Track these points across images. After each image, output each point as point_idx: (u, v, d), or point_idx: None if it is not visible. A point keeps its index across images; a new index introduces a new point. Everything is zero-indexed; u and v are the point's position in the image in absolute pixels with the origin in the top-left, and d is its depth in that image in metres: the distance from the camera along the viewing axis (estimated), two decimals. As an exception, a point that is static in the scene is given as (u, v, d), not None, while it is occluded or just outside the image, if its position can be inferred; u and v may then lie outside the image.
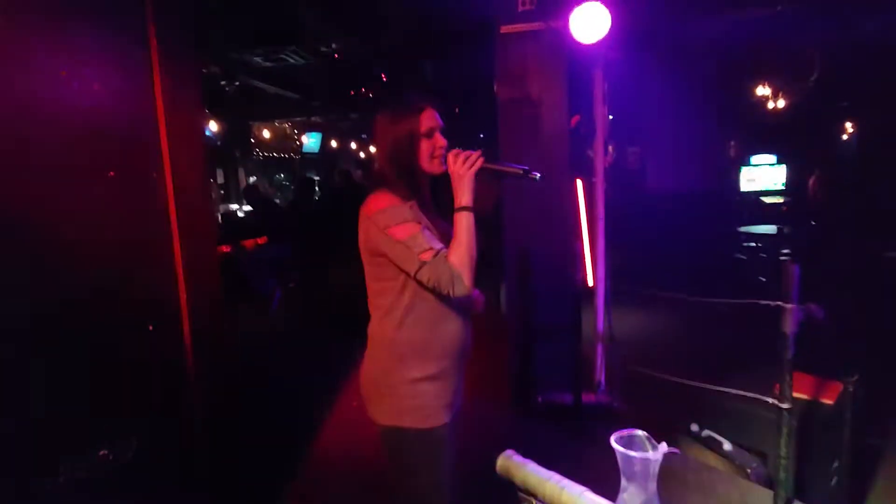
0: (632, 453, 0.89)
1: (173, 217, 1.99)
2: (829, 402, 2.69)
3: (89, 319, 1.75)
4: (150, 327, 1.93)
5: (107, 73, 1.82)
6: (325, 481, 2.97)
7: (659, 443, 0.95)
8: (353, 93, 8.55)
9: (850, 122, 9.35)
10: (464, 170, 1.51)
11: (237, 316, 5.77)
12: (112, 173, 1.81)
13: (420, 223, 1.49)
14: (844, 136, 9.63)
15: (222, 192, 11.62)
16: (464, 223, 1.50)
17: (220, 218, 9.48)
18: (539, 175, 1.54)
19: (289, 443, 3.28)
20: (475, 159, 1.52)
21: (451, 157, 1.53)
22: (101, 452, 1.84)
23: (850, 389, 2.68)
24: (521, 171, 1.55)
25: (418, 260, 1.44)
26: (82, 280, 1.75)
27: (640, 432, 0.96)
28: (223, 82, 7.33)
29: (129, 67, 1.90)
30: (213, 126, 9.67)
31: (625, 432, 0.96)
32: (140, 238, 1.93)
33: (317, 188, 12.31)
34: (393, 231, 1.46)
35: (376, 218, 1.49)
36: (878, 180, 7.52)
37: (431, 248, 1.45)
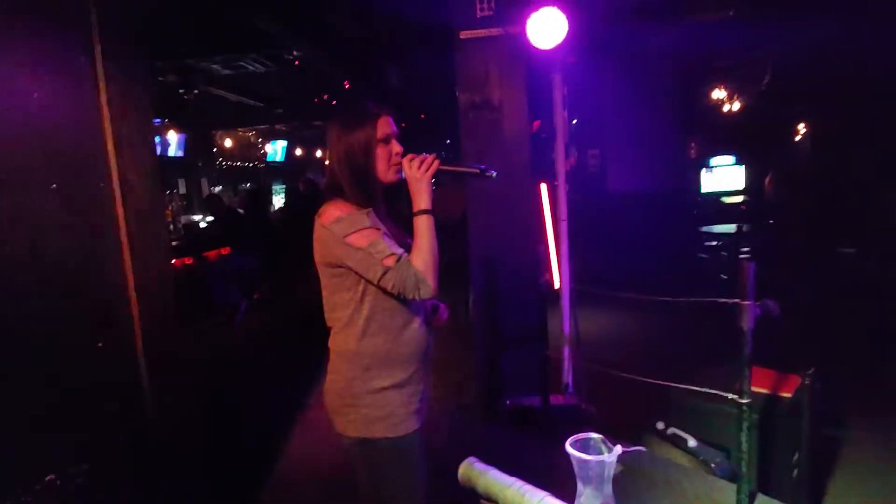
0: (586, 457, 0.88)
1: (122, 229, 1.91)
2: (787, 395, 2.75)
3: (31, 338, 1.67)
4: (100, 345, 1.85)
5: (47, 80, 1.74)
6: (292, 495, 2.90)
7: (617, 444, 0.94)
8: (316, 100, 8.48)
9: (803, 123, 9.69)
10: (420, 173, 1.50)
11: (201, 329, 5.64)
12: (54, 185, 1.73)
13: (379, 229, 1.48)
14: (797, 138, 9.97)
15: (184, 202, 11.35)
16: (424, 226, 1.49)
17: (182, 229, 9.27)
18: (496, 173, 1.53)
19: (255, 457, 3.20)
20: (430, 162, 1.51)
21: (405, 161, 1.52)
22: (49, 478, 1.75)
23: (807, 382, 2.75)
24: (478, 171, 1.54)
25: (381, 266, 1.42)
26: (23, 295, 1.67)
27: (595, 435, 0.95)
28: (182, 90, 7.17)
29: (71, 74, 1.83)
30: (172, 135, 9.45)
31: (580, 436, 0.95)
32: (86, 252, 1.85)
33: (277, 198, 12.16)
34: (352, 239, 1.44)
35: (334, 227, 1.46)
36: (830, 179, 7.81)
37: (393, 254, 1.43)
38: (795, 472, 2.63)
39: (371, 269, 1.43)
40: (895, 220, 6.52)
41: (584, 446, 0.93)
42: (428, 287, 1.44)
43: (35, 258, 1.69)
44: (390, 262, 1.42)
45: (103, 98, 1.90)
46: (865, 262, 6.27)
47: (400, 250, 1.46)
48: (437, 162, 1.51)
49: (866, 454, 3.14)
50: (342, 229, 1.45)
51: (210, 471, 2.61)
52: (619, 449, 0.89)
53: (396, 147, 1.55)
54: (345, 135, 1.53)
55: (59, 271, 1.76)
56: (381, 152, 1.52)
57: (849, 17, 5.74)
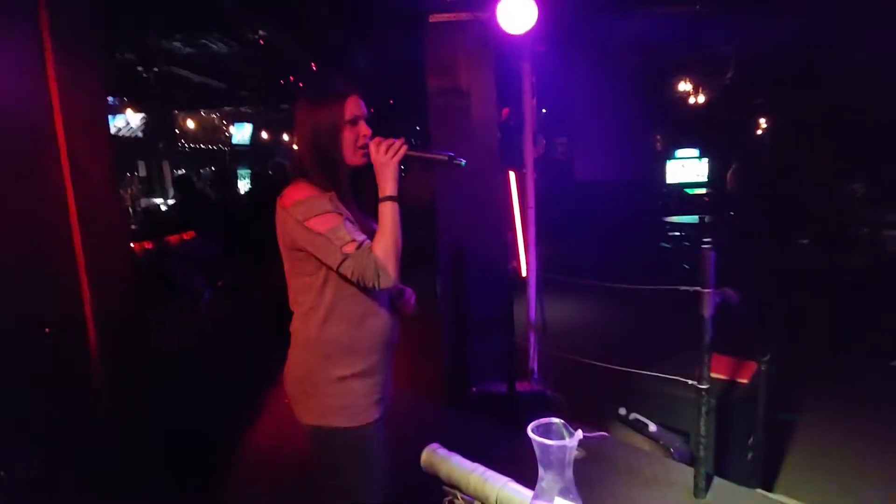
0: (547, 441, 0.88)
1: (72, 211, 1.82)
2: (744, 381, 2.83)
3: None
4: (47, 330, 1.77)
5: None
6: (252, 482, 2.86)
7: (577, 429, 0.94)
8: (282, 83, 8.29)
9: (764, 118, 9.95)
10: (387, 158, 1.45)
11: (162, 316, 5.48)
12: (-3, 163, 1.64)
13: (342, 214, 1.43)
14: (759, 132, 10.23)
15: (144, 185, 11.00)
16: (388, 213, 1.44)
17: (141, 213, 8.98)
18: (464, 161, 1.51)
19: (216, 445, 3.14)
20: (398, 147, 1.46)
21: (373, 145, 1.47)
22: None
23: (763, 368, 2.84)
24: (447, 158, 1.51)
25: (341, 252, 1.38)
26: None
27: (557, 420, 0.95)
28: (140, 69, 6.91)
29: (15, 49, 1.72)
30: (131, 115, 9.12)
31: (542, 421, 0.95)
32: (33, 234, 1.76)
33: (242, 182, 11.88)
34: (312, 223, 1.40)
35: (294, 210, 1.41)
36: (789, 173, 8.05)
37: (354, 240, 1.39)
38: (750, 455, 2.72)
39: (330, 256, 1.39)
40: (850, 213, 6.77)
41: (545, 431, 0.93)
42: (388, 276, 1.40)
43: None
44: (350, 248, 1.38)
45: (51, 73, 1.80)
46: (820, 252, 6.50)
47: (362, 237, 1.41)
48: (405, 147, 1.48)
49: (819, 438, 3.26)
50: (302, 212, 1.40)
51: (170, 459, 2.55)
52: (579, 434, 0.89)
53: (364, 129, 1.51)
54: (312, 113, 1.48)
55: (2, 253, 1.68)
56: (348, 134, 1.48)
57: (810, 14, 5.89)
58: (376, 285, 1.40)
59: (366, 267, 1.38)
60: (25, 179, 1.75)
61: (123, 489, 2.11)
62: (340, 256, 1.38)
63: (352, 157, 1.50)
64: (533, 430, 0.93)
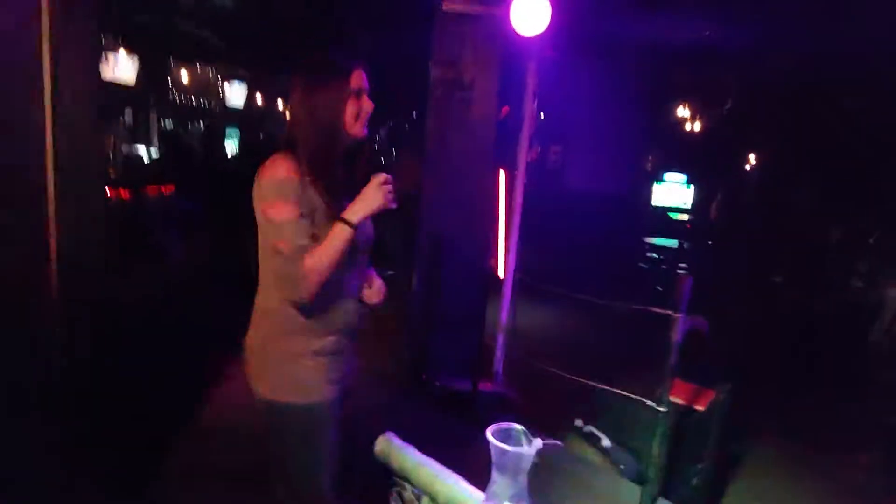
0: (505, 447, 0.87)
1: (48, 149, 1.75)
2: (700, 408, 2.87)
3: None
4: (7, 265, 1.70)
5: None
6: (202, 447, 2.82)
7: (536, 437, 0.94)
8: (284, 48, 8.13)
9: (755, 153, 10.10)
10: (379, 197, 1.41)
11: (129, 268, 5.36)
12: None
13: (300, 211, 1.37)
14: (748, 167, 10.39)
15: (128, 133, 10.72)
16: (340, 237, 1.38)
17: (122, 160, 8.77)
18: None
19: (171, 406, 3.08)
20: (392, 199, 1.42)
21: (381, 178, 1.42)
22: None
23: (721, 398, 2.89)
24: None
25: (274, 247, 1.35)
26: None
27: (517, 426, 0.94)
28: (139, 8, 6.70)
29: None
30: (124, 58, 8.85)
31: (503, 425, 0.94)
32: (4, 168, 1.69)
33: (230, 143, 11.67)
34: (269, 205, 1.36)
35: (263, 185, 1.38)
36: (771, 211, 8.19)
37: (294, 243, 1.34)
38: (695, 480, 2.76)
39: (267, 244, 1.37)
40: (823, 258, 6.92)
41: (504, 436, 0.92)
42: (307, 290, 1.35)
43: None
44: (285, 247, 1.34)
45: (45, 3, 1.72)
46: (792, 292, 6.64)
47: (304, 241, 1.36)
48: (394, 204, 1.43)
49: (767, 473, 3.33)
50: (266, 191, 1.37)
51: (123, 418, 2.50)
52: (539, 443, 0.89)
53: (367, 103, 1.48)
54: (315, 85, 1.44)
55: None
56: (351, 106, 1.45)
57: (812, 55, 5.98)
58: (293, 293, 1.37)
59: (290, 272, 1.34)
60: (2, 113, 1.67)
61: (66, 433, 2.06)
62: (273, 251, 1.36)
63: (352, 129, 1.47)
64: (492, 433, 0.92)
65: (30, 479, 1.91)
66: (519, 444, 0.93)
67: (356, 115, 1.46)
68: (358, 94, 1.46)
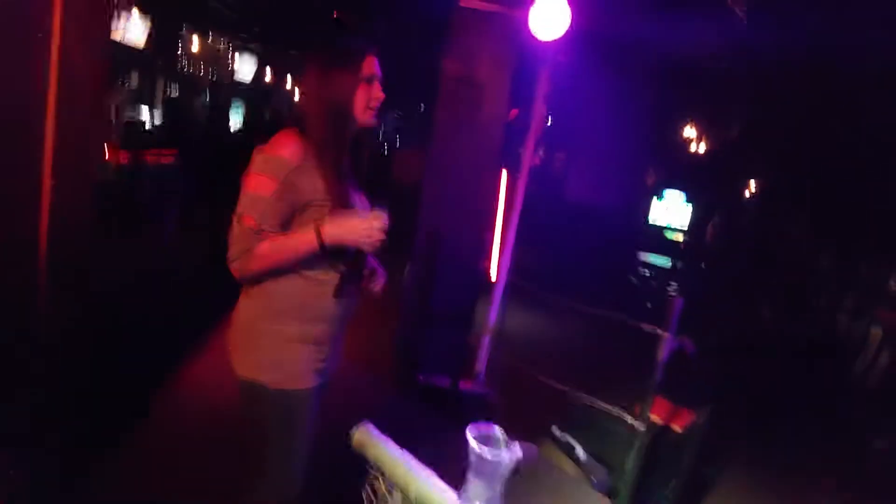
0: (484, 450, 0.87)
1: (50, 109, 1.72)
2: (678, 429, 2.89)
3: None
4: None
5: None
6: (177, 422, 2.80)
7: (515, 443, 0.93)
8: (298, 28, 8.08)
9: (755, 180, 10.14)
10: (366, 234, 1.37)
11: (122, 234, 5.33)
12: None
13: (282, 195, 1.34)
14: (747, 193, 10.43)
15: (132, 96, 10.62)
16: (305, 244, 1.36)
17: (123, 124, 8.69)
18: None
19: (148, 378, 3.06)
20: (378, 241, 1.39)
21: (379, 215, 1.39)
22: None
23: (699, 421, 2.91)
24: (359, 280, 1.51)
25: (239, 217, 1.34)
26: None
27: (498, 429, 0.94)
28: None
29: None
30: (136, 20, 8.77)
31: (482, 426, 0.94)
32: (5, 121, 1.66)
33: (234, 117, 11.59)
34: (252, 176, 1.36)
35: (259, 158, 1.38)
36: (765, 239, 8.23)
37: (259, 220, 1.33)
38: (665, 500, 2.78)
39: (235, 211, 1.36)
40: (811, 290, 6.97)
41: (484, 439, 0.92)
42: (246, 270, 1.35)
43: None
44: (249, 222, 1.33)
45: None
46: (779, 320, 6.68)
47: (269, 226, 1.34)
48: (377, 246, 1.40)
49: (735, 499, 3.35)
50: (257, 164, 1.37)
51: (99, 386, 2.47)
52: (517, 450, 0.88)
53: (378, 91, 1.48)
54: (329, 67, 1.44)
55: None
56: (362, 92, 1.45)
57: (823, 93, 6.02)
58: (230, 263, 1.36)
59: (243, 242, 1.33)
60: (5, 67, 1.64)
61: (47, 406, 2.04)
62: (235, 219, 1.35)
63: (362, 115, 1.47)
64: (472, 435, 0.91)
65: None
66: (498, 447, 0.93)
67: (366, 102, 1.46)
68: (369, 81, 1.46)
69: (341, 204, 1.41)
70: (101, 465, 2.31)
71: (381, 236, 1.38)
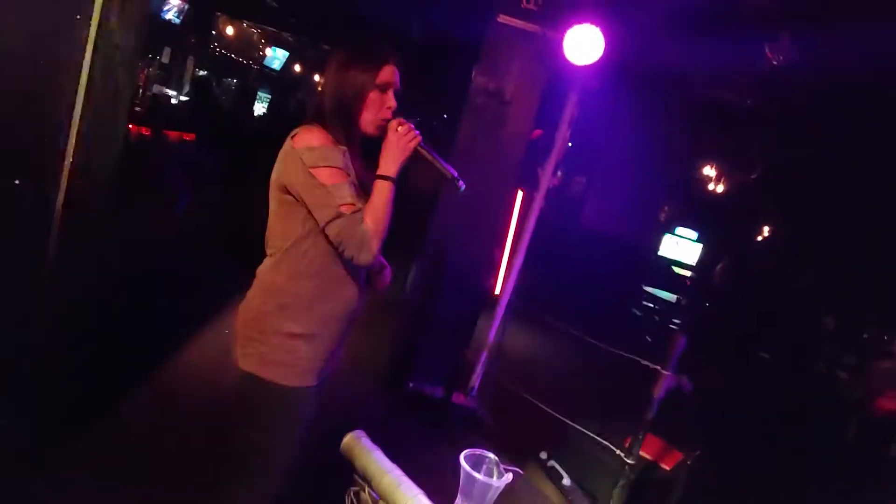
0: (476, 475, 0.85)
1: (84, 73, 1.74)
2: (666, 467, 2.85)
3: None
4: (17, 182, 1.69)
5: None
6: (169, 405, 2.79)
7: (508, 472, 0.92)
8: (331, 26, 8.13)
9: (770, 227, 10.08)
10: (403, 141, 1.43)
11: (138, 206, 5.36)
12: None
13: (349, 174, 1.40)
14: (760, 238, 10.37)
15: (162, 72, 10.73)
16: (385, 193, 1.41)
17: (150, 98, 8.77)
18: (464, 186, 1.48)
19: (142, 357, 3.06)
20: (413, 136, 1.44)
21: (394, 123, 1.44)
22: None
23: (688, 462, 2.87)
24: (451, 176, 1.48)
25: (336, 210, 1.33)
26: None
27: (491, 455, 0.92)
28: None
29: None
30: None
31: (476, 451, 0.92)
32: (37, 83, 1.67)
33: (259, 105, 11.65)
34: (318, 172, 1.35)
35: (304, 154, 1.36)
36: (776, 289, 8.15)
37: (353, 204, 1.35)
38: (645, 538, 2.74)
39: (324, 210, 1.34)
40: (813, 344, 6.89)
41: (477, 462, 0.91)
42: (370, 251, 1.36)
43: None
44: (347, 209, 1.34)
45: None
46: (778, 370, 6.61)
47: (360, 203, 1.38)
48: (419, 138, 1.45)
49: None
50: (312, 159, 1.35)
51: (96, 358, 2.48)
52: (508, 477, 0.87)
53: (391, 101, 1.47)
54: (347, 65, 1.44)
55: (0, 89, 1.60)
56: (373, 98, 1.44)
57: (849, 151, 5.98)
58: (355, 257, 1.35)
59: (353, 234, 1.34)
60: (46, 32, 1.66)
61: (48, 365, 2.04)
62: (333, 213, 1.33)
63: (367, 125, 1.46)
64: (465, 458, 0.90)
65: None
66: (489, 473, 0.91)
67: (377, 110, 1.45)
68: (383, 89, 1.45)
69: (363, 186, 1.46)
70: (83, 442, 2.30)
71: (414, 132, 1.44)
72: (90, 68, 1.77)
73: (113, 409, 2.54)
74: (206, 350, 3.29)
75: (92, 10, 1.72)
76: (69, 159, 1.81)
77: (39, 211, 1.82)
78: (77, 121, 1.80)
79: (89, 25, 1.74)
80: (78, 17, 1.71)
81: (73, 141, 1.80)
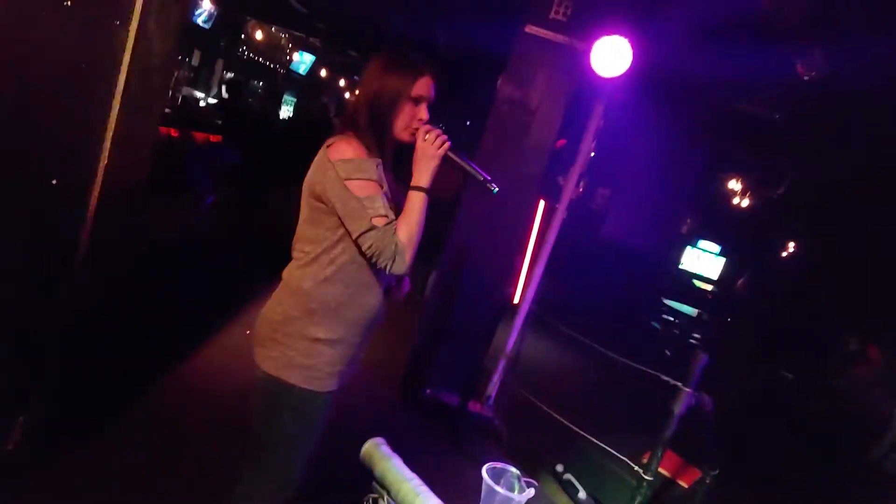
0: (498, 489, 0.86)
1: (122, 72, 1.78)
2: (684, 485, 2.82)
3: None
4: (54, 181, 1.74)
5: None
6: (185, 400, 2.84)
7: (530, 487, 0.92)
8: (359, 34, 8.21)
9: (797, 243, 9.90)
10: (432, 149, 1.44)
11: (165, 205, 5.47)
12: (68, 2, 1.60)
13: (382, 186, 1.42)
14: (784, 254, 10.19)
15: (191, 74, 10.94)
16: (417, 203, 1.43)
17: (179, 99, 8.95)
18: (497, 189, 1.49)
19: (162, 352, 3.11)
20: (443, 142, 1.45)
21: (422, 131, 1.46)
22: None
23: (706, 480, 2.83)
24: (483, 179, 1.49)
25: (370, 222, 1.35)
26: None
27: (513, 469, 0.92)
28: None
29: None
30: (206, 3, 9.07)
31: (498, 464, 0.93)
32: (75, 84, 1.72)
33: (284, 108, 11.79)
34: (353, 184, 1.37)
35: (339, 165, 1.39)
36: (799, 306, 7.99)
37: (386, 216, 1.38)
38: (661, 557, 2.70)
39: (357, 222, 1.36)
40: (834, 363, 6.73)
41: (498, 475, 0.91)
42: (403, 262, 1.39)
43: (25, 69, 1.58)
44: (380, 222, 1.36)
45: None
46: (799, 389, 6.48)
47: (393, 216, 1.40)
48: (448, 144, 1.46)
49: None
50: (347, 171, 1.38)
51: (119, 353, 2.53)
52: (531, 492, 0.87)
53: (423, 113, 1.49)
54: (383, 74, 1.46)
55: (43, 92, 1.65)
56: (407, 109, 1.46)
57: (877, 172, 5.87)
58: (388, 267, 1.37)
59: (387, 246, 1.36)
60: (88, 29, 1.71)
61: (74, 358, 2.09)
62: (367, 226, 1.35)
63: (401, 132, 1.49)
64: (487, 471, 0.91)
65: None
66: (510, 486, 0.92)
67: (409, 121, 1.48)
68: (417, 101, 1.48)
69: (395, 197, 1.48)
70: (104, 428, 2.35)
71: (443, 137, 1.46)
72: (127, 73, 1.82)
73: (129, 405, 2.59)
74: (226, 350, 3.34)
75: (131, 18, 1.78)
76: (104, 161, 1.86)
77: (74, 210, 1.87)
78: (113, 124, 1.85)
79: (128, 32, 1.79)
80: (118, 22, 1.76)
81: (109, 144, 1.85)
